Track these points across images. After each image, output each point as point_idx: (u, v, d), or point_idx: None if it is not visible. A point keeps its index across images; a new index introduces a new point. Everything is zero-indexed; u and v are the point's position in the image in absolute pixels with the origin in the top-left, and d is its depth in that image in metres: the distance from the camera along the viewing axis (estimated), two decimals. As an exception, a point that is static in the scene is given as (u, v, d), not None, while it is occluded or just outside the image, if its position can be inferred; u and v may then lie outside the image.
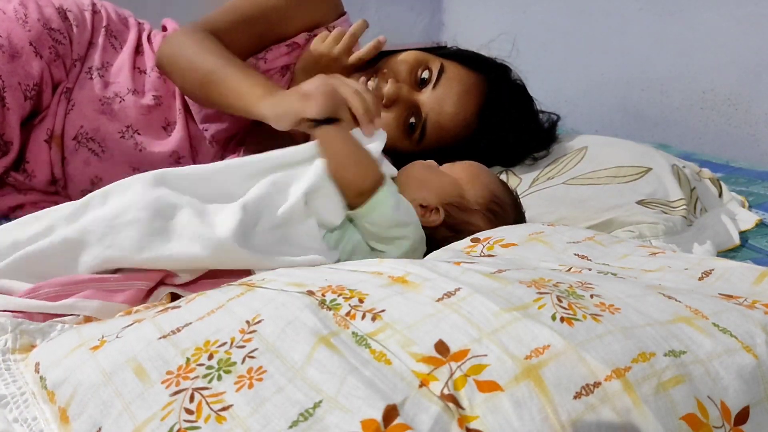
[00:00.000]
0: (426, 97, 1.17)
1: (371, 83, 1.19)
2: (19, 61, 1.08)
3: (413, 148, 1.19)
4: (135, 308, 0.72)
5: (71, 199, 0.89)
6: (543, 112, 1.31)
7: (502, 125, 1.21)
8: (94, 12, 1.22)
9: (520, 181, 1.21)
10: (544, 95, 1.32)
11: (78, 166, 1.15)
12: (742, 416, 0.51)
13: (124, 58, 1.20)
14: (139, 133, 1.16)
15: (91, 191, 0.83)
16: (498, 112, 1.20)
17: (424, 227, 0.92)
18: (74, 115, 1.14)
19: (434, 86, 1.17)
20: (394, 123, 1.17)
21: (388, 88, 1.16)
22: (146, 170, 1.14)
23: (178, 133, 1.19)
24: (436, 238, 0.93)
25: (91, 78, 1.17)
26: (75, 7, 1.20)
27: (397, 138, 1.17)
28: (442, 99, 1.17)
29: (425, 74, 1.18)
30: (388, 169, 0.96)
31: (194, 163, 1.21)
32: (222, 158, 1.22)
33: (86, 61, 1.18)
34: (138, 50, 1.23)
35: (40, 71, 1.10)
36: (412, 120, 1.17)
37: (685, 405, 0.49)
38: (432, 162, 1.03)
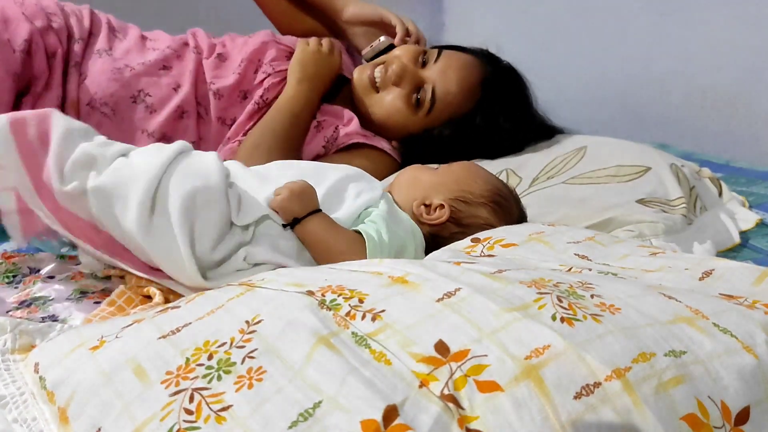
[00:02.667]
0: (430, 72, 1.26)
1: (378, 72, 1.27)
2: (9, 24, 1.13)
3: (423, 122, 1.26)
4: (134, 309, 0.72)
5: None
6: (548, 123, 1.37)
7: (504, 100, 1.28)
8: (93, 14, 1.27)
9: (520, 181, 1.21)
10: (544, 95, 1.32)
11: None
12: (743, 416, 0.51)
13: (130, 43, 1.25)
14: (149, 95, 1.21)
15: None
16: (499, 86, 1.28)
17: (431, 226, 0.93)
18: (88, 84, 1.19)
19: (436, 61, 1.27)
20: (403, 99, 1.25)
21: (394, 66, 1.25)
22: (153, 131, 1.18)
23: (183, 89, 1.23)
24: (443, 235, 0.93)
25: (101, 57, 1.22)
26: (74, 8, 1.25)
27: (407, 114, 1.25)
28: (446, 68, 1.26)
29: (426, 57, 1.27)
30: (373, 188, 0.94)
31: (198, 116, 1.25)
32: (226, 111, 1.26)
33: (91, 45, 1.23)
34: (143, 37, 1.29)
35: (29, 32, 1.14)
36: (420, 94, 1.25)
37: (685, 405, 0.49)
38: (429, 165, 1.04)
